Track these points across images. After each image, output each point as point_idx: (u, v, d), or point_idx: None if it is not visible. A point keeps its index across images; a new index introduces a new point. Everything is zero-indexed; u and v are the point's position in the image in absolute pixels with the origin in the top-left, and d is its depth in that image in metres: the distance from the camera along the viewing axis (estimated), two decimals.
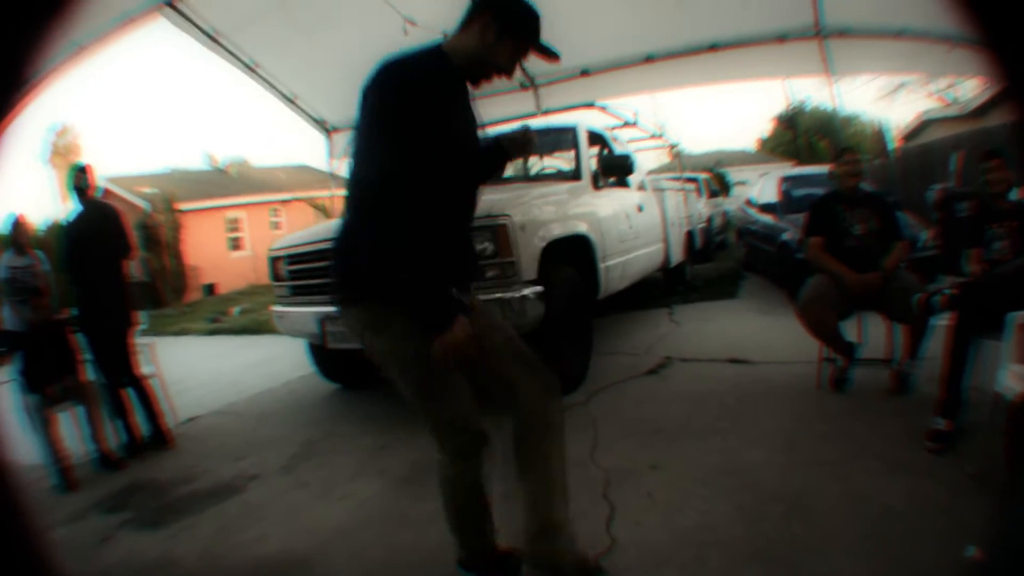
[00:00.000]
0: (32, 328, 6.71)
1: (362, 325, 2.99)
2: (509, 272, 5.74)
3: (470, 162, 3.10)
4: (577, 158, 7.96)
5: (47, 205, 48.97)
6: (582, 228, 6.91)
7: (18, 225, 7.87)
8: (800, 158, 47.07)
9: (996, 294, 4.52)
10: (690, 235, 13.03)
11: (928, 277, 8.03)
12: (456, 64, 2.96)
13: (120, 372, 6.84)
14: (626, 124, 11.60)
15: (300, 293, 6.97)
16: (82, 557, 4.78)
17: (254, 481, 5.57)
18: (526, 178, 8.46)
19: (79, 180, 6.86)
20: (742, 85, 10.30)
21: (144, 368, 7.16)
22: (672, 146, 15.61)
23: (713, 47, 8.12)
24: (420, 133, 2.74)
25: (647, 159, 16.57)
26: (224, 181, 35.42)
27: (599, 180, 7.87)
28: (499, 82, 8.26)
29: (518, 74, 8.82)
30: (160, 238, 27.36)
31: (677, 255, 11.31)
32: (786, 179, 12.86)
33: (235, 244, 31.78)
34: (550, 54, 3.13)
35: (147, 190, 29.11)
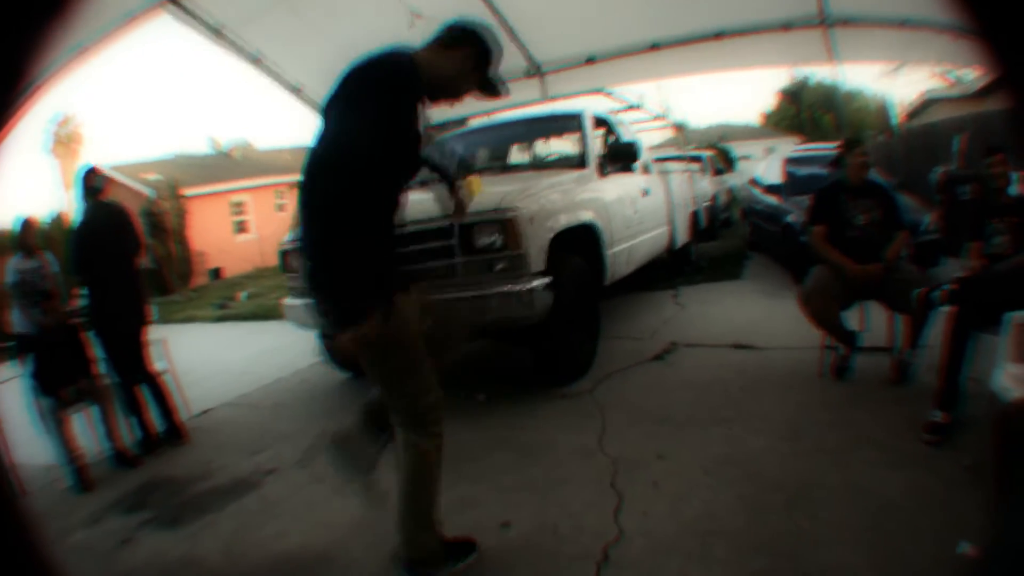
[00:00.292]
0: (43, 331, 6.69)
1: (338, 315, 3.03)
2: (518, 264, 5.79)
3: (412, 171, 3.29)
4: (583, 145, 7.96)
5: (51, 195, 48.94)
6: (589, 217, 6.95)
7: (27, 227, 7.80)
8: (804, 132, 46.96)
9: (995, 291, 4.58)
10: (695, 215, 13.02)
11: (931, 260, 8.07)
12: (423, 78, 3.10)
13: (134, 370, 6.84)
14: (630, 107, 11.62)
15: None
16: (104, 560, 4.80)
17: (271, 476, 5.62)
18: (533, 165, 8.51)
19: (88, 181, 6.87)
20: (747, 73, 10.38)
21: (157, 364, 7.17)
22: (676, 126, 15.58)
23: (718, 35, 8.13)
24: (388, 132, 2.96)
25: (651, 136, 16.58)
26: (228, 164, 35.41)
27: (605, 167, 7.87)
28: (507, 68, 8.34)
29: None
30: (165, 225, 27.36)
31: (682, 237, 11.33)
32: (791, 160, 12.89)
33: (240, 227, 31.81)
34: (500, 93, 3.46)
35: (151, 177, 29.08)
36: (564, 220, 6.45)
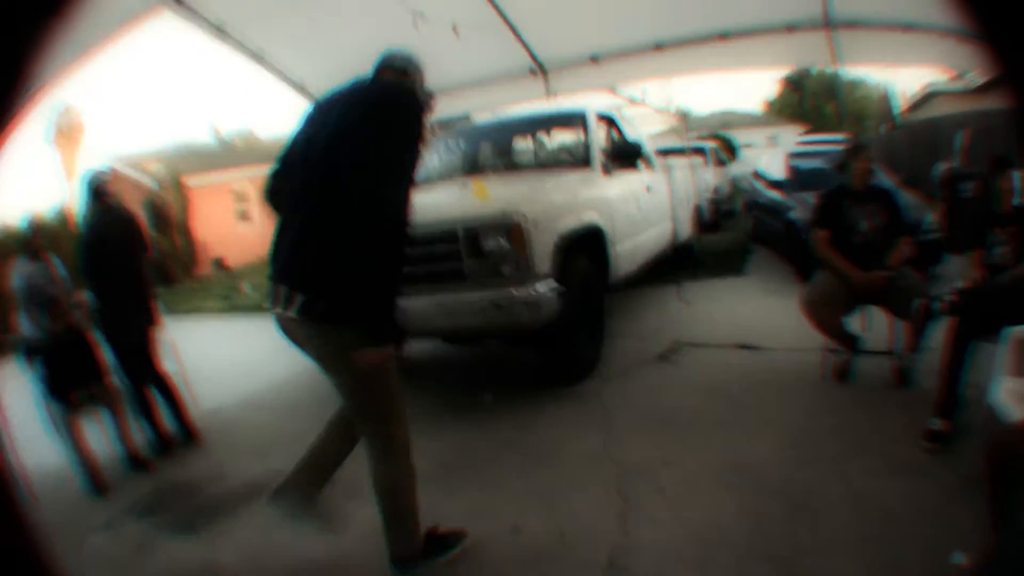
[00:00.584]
0: (51, 336, 6.65)
1: (338, 340, 3.30)
2: (525, 269, 5.83)
3: None
4: (587, 145, 7.97)
5: (53, 187, 48.88)
6: (594, 218, 6.97)
7: (32, 229, 7.80)
8: (807, 120, 46.90)
9: (995, 303, 4.63)
10: (698, 209, 13.03)
11: (933, 259, 8.10)
12: None
13: (144, 372, 6.85)
14: (633, 102, 11.64)
15: None
16: (121, 567, 4.81)
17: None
18: (537, 164, 8.54)
19: (95, 186, 6.88)
20: (751, 74, 10.43)
21: (167, 365, 7.16)
22: (679, 115, 15.56)
23: (723, 36, 8.15)
24: (415, 170, 3.28)
25: (653, 125, 16.56)
26: (231, 153, 35.39)
27: (609, 165, 7.91)
28: (510, 67, 8.31)
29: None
30: (169, 216, 27.39)
31: (685, 231, 11.37)
32: (794, 155, 12.93)
33: (243, 215, 31.79)
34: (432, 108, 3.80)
35: (153, 167, 29.08)
36: (569, 222, 6.47)
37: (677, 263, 11.05)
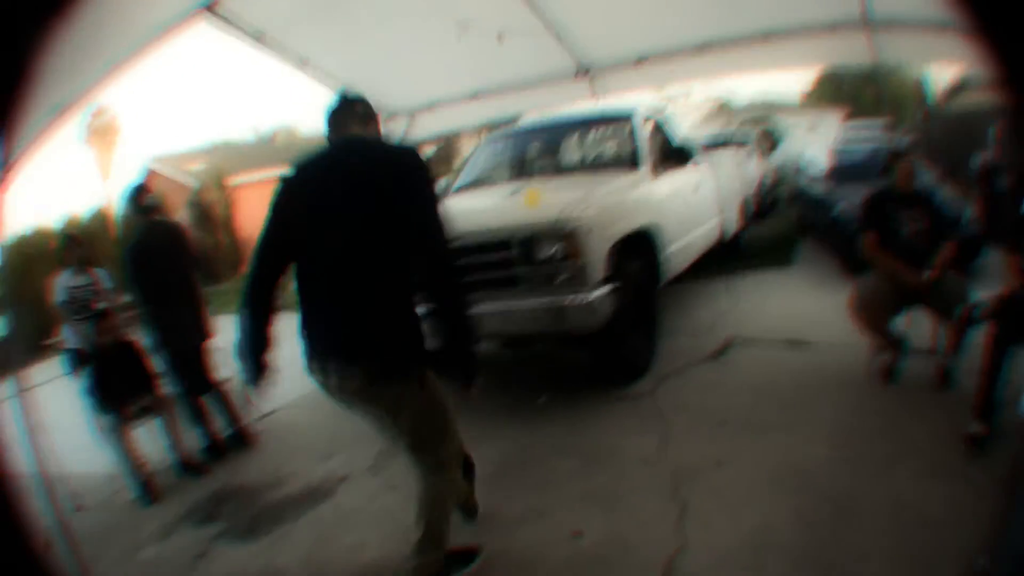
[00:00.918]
0: (98, 349, 6.67)
1: (400, 388, 3.48)
2: (579, 275, 5.88)
3: None
4: (635, 146, 7.97)
5: (89, 187, 49.17)
6: (645, 221, 7.00)
7: (75, 242, 7.89)
8: (846, 103, 46.59)
9: None
10: (744, 202, 12.99)
11: (973, 253, 8.06)
12: None
13: (197, 382, 6.90)
14: (677, 98, 11.63)
15: None
16: None
17: (344, 484, 5.71)
18: (585, 166, 8.52)
19: (140, 201, 6.90)
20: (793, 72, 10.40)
21: (221, 373, 7.16)
22: (722, 105, 15.50)
23: (766, 36, 8.14)
24: None
25: (696, 114, 16.51)
26: (272, 151, 35.52)
27: (658, 166, 7.90)
28: (554, 69, 8.32)
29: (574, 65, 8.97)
30: (212, 215, 27.60)
31: (733, 225, 11.34)
32: (837, 148, 12.91)
33: None
34: None
35: (195, 167, 29.28)
36: (622, 227, 6.51)
37: (725, 256, 11.01)
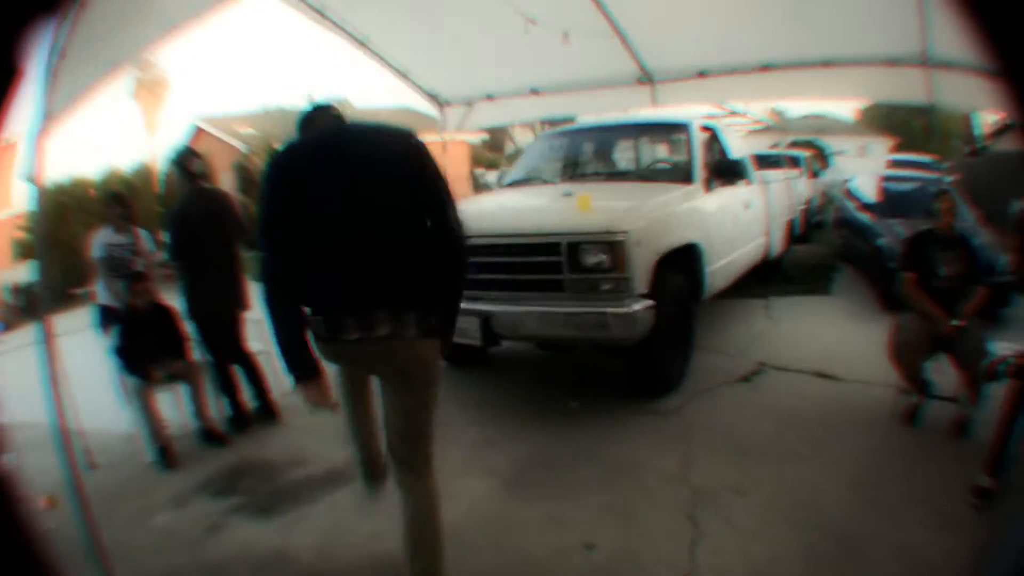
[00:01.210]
0: (132, 309, 6.62)
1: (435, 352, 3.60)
2: (623, 286, 5.88)
3: None
4: (690, 159, 7.92)
5: (134, 142, 49.42)
6: (693, 237, 6.98)
7: (120, 201, 7.86)
8: (895, 133, 46.42)
9: None
10: (791, 223, 12.93)
11: (1003, 300, 8.03)
12: None
13: (229, 352, 6.85)
14: (733, 113, 11.57)
15: None
16: (190, 547, 4.81)
17: None
18: (638, 175, 8.50)
19: (188, 166, 6.82)
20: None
21: (253, 344, 7.15)
22: (775, 112, 15.41)
23: (827, 63, 8.08)
24: None
25: (751, 126, 16.44)
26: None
27: (711, 181, 7.84)
28: (617, 73, 8.32)
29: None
30: (256, 180, 27.67)
31: (777, 247, 11.27)
32: (887, 177, 12.87)
33: None
34: None
35: (245, 130, 29.35)
36: (670, 241, 6.50)
37: (766, 277, 10.96)
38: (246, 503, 5.40)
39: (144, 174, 26.49)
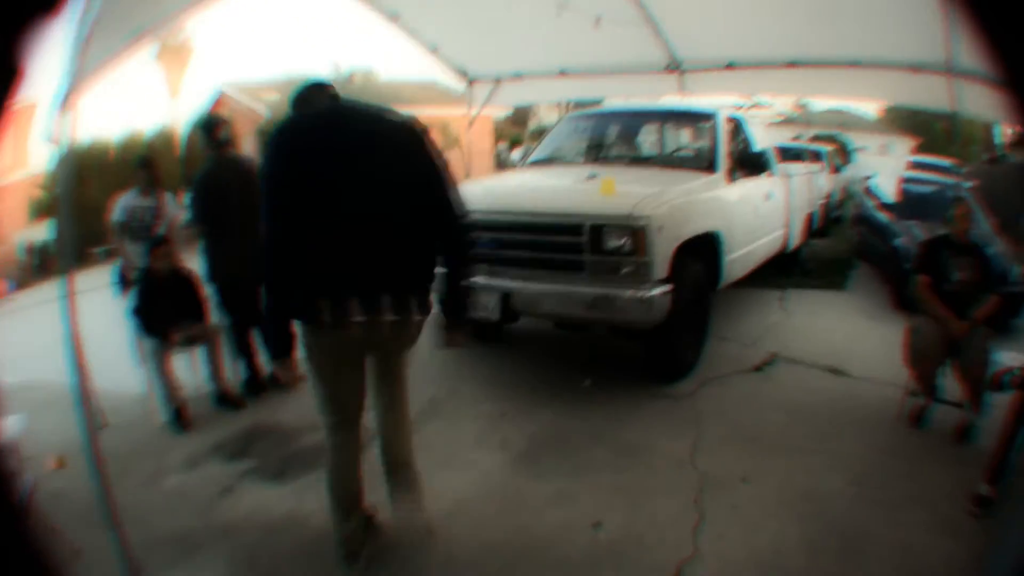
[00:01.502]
0: (153, 274, 6.58)
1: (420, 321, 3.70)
2: (643, 271, 5.95)
3: None
4: (714, 148, 7.94)
5: (157, 104, 49.28)
6: (714, 226, 7.04)
7: (146, 164, 7.83)
8: (917, 134, 46.20)
9: None
10: (811, 216, 12.93)
11: (1014, 311, 8.09)
12: None
13: (248, 317, 6.77)
14: (758, 104, 11.58)
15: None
16: (202, 509, 4.85)
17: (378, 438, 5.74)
18: (661, 161, 8.52)
19: (215, 134, 6.80)
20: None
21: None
22: (799, 115, 15.37)
23: (853, 64, 8.09)
24: None
25: (774, 116, 16.41)
26: (349, 89, 35.45)
27: (734, 172, 7.88)
28: (646, 60, 8.30)
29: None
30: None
31: (796, 239, 11.27)
32: (907, 180, 12.90)
33: None
34: None
35: (269, 97, 29.31)
36: (691, 229, 6.56)
37: (783, 268, 10.99)
38: (259, 466, 5.45)
39: (165, 137, 26.42)
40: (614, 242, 5.94)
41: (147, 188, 7.51)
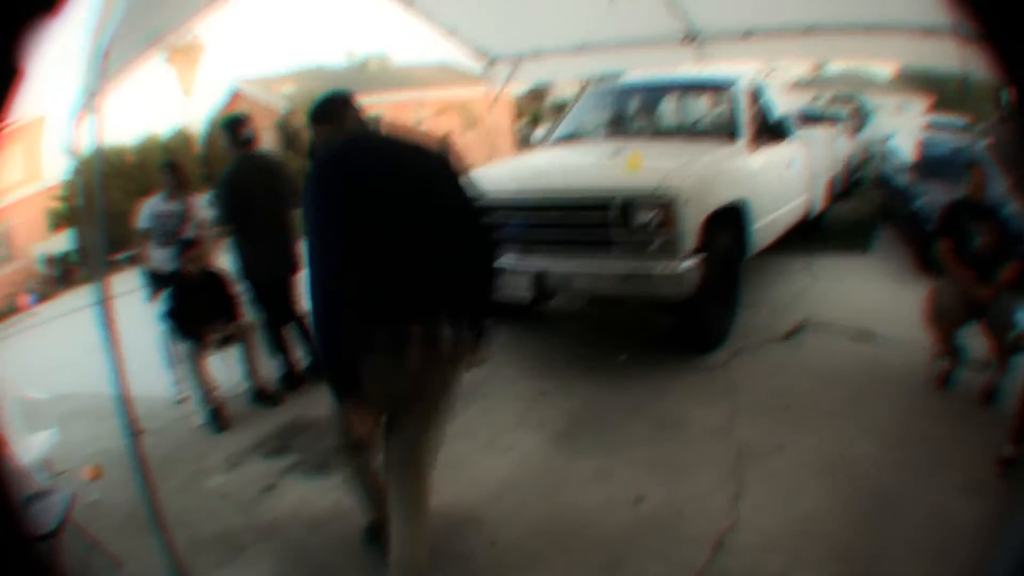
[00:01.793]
0: (184, 276, 6.61)
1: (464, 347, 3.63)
2: (672, 245, 5.98)
3: None
4: (735, 117, 7.97)
5: (171, 106, 49.38)
6: (739, 195, 7.05)
7: (172, 168, 7.88)
8: (931, 91, 46.06)
9: None
10: (832, 180, 12.89)
11: None
12: None
13: (281, 314, 6.90)
14: (774, 71, 11.52)
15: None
16: (246, 509, 4.91)
17: None
18: (683, 132, 8.59)
19: (238, 133, 6.82)
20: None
21: (306, 306, 7.07)
22: (815, 77, 15.30)
23: (868, 28, 8.07)
24: None
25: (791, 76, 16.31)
26: (364, 77, 35.37)
27: (756, 139, 7.90)
28: (662, 30, 8.28)
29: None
30: (300, 138, 27.65)
31: (819, 204, 11.26)
32: (925, 140, 12.86)
33: None
34: None
35: (285, 90, 29.33)
36: (717, 199, 6.57)
37: (807, 234, 10.97)
38: (301, 461, 5.51)
39: (182, 138, 26.52)
40: (643, 217, 5.96)
41: (174, 192, 7.58)
